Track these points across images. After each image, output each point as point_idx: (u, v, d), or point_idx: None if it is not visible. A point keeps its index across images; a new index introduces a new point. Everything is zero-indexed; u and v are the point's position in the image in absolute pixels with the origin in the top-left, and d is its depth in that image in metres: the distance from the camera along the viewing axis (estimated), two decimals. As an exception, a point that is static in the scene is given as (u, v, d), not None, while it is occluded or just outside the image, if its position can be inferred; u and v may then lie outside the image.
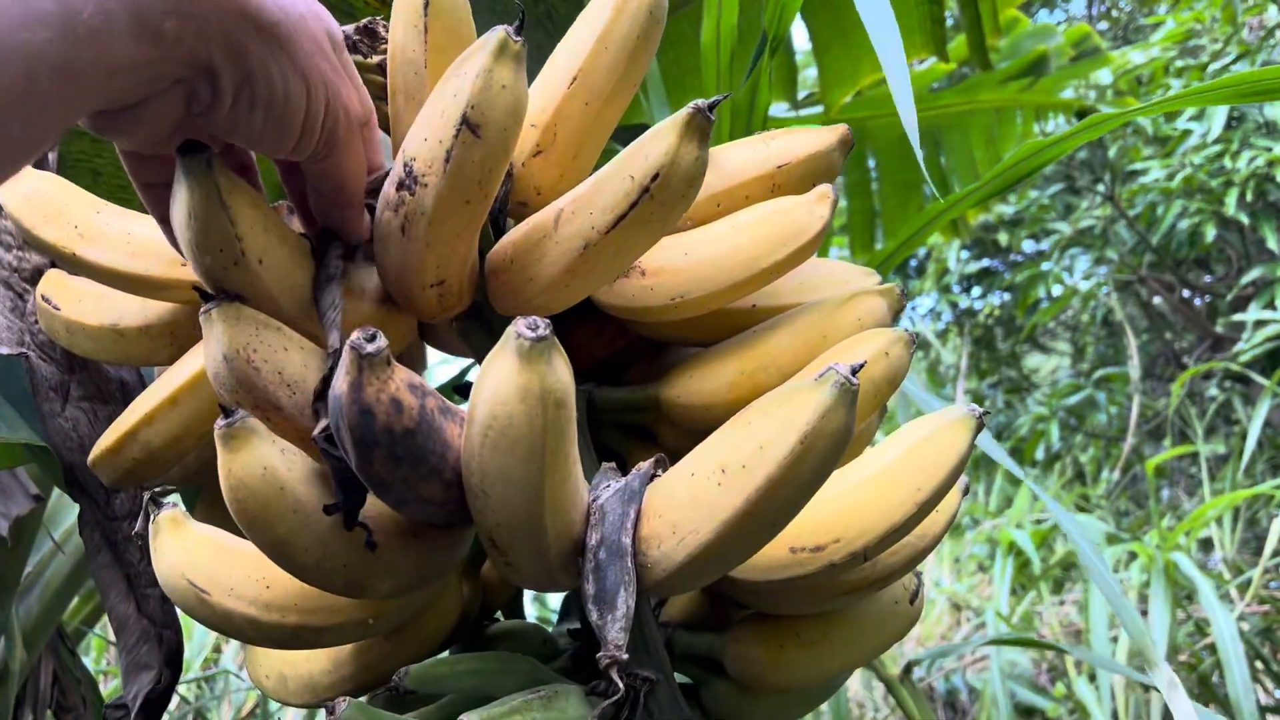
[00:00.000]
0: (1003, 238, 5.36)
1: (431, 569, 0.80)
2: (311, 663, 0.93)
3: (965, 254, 5.62)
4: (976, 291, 6.81)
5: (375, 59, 1.01)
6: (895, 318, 1.02)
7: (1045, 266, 5.28)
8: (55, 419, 1.05)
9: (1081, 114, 4.14)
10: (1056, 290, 5.93)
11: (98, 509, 1.09)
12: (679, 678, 0.98)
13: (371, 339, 0.66)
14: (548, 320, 0.68)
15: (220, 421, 0.71)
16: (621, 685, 0.70)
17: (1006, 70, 3.80)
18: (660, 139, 0.76)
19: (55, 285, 1.02)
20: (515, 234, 0.84)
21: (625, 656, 0.70)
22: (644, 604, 0.90)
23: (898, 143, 3.89)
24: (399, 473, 0.69)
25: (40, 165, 1.07)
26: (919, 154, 1.10)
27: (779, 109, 3.36)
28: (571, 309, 0.93)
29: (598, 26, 0.86)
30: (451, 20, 0.83)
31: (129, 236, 0.92)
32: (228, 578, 0.81)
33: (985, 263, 5.64)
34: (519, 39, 0.74)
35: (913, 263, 6.00)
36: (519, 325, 0.67)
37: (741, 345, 0.97)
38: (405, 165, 0.76)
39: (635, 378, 1.05)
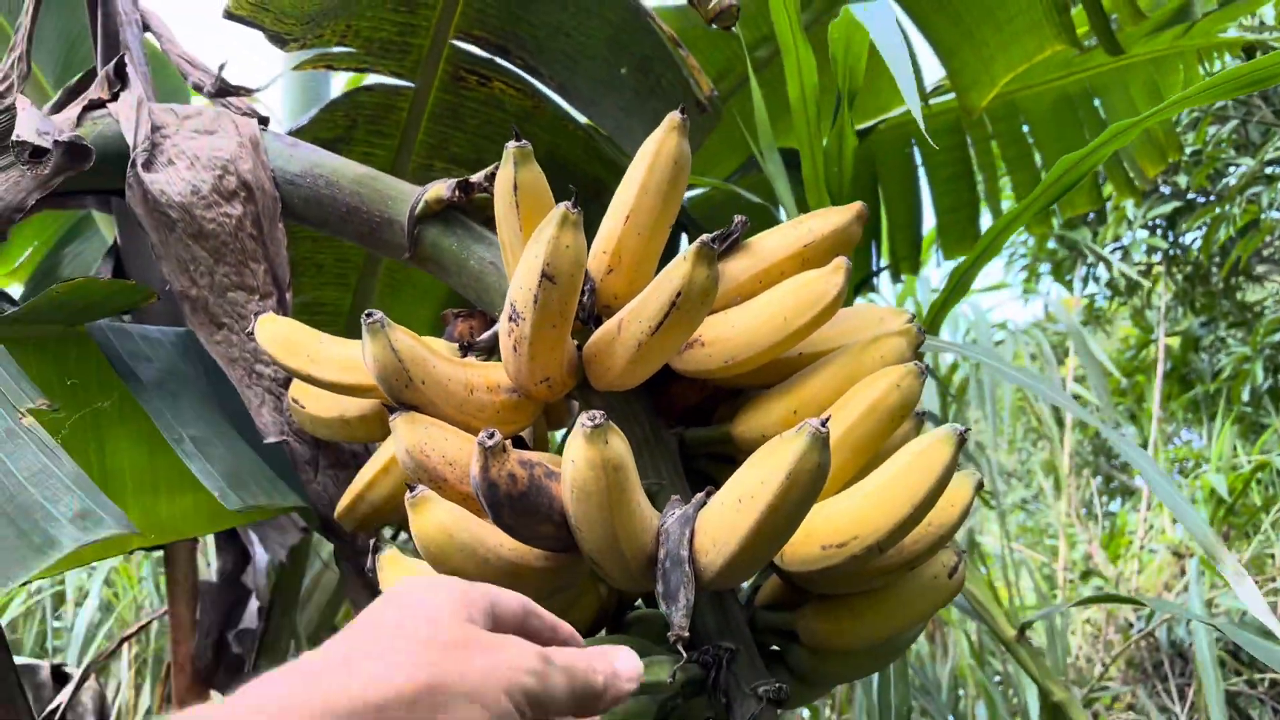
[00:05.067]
0: (1181, 180, 5.21)
1: (560, 580, 1.14)
2: (497, 649, 1.30)
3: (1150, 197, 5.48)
4: (1188, 232, 6.56)
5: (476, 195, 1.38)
6: (915, 351, 1.28)
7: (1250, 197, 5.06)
8: (311, 484, 1.47)
9: (1249, 51, 4.02)
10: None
11: (347, 546, 1.51)
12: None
13: (490, 436, 1.01)
14: (603, 412, 1.00)
15: (409, 494, 1.08)
16: (684, 654, 1.02)
17: (1154, 20, 3.76)
18: (680, 267, 1.07)
19: (300, 389, 1.43)
20: (596, 335, 1.17)
21: (686, 635, 1.02)
22: (726, 594, 1.21)
23: (1050, 110, 3.94)
24: (520, 520, 1.04)
25: (281, 307, 1.48)
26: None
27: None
28: (666, 374, 1.26)
29: (639, 178, 1.18)
30: (533, 195, 1.17)
31: (343, 358, 1.32)
32: (430, 594, 1.18)
33: (1175, 203, 5.47)
34: (576, 210, 1.07)
35: (1089, 215, 5.89)
36: (583, 417, 1.00)
37: (789, 387, 1.27)
38: (510, 305, 1.11)
39: (720, 417, 1.36)
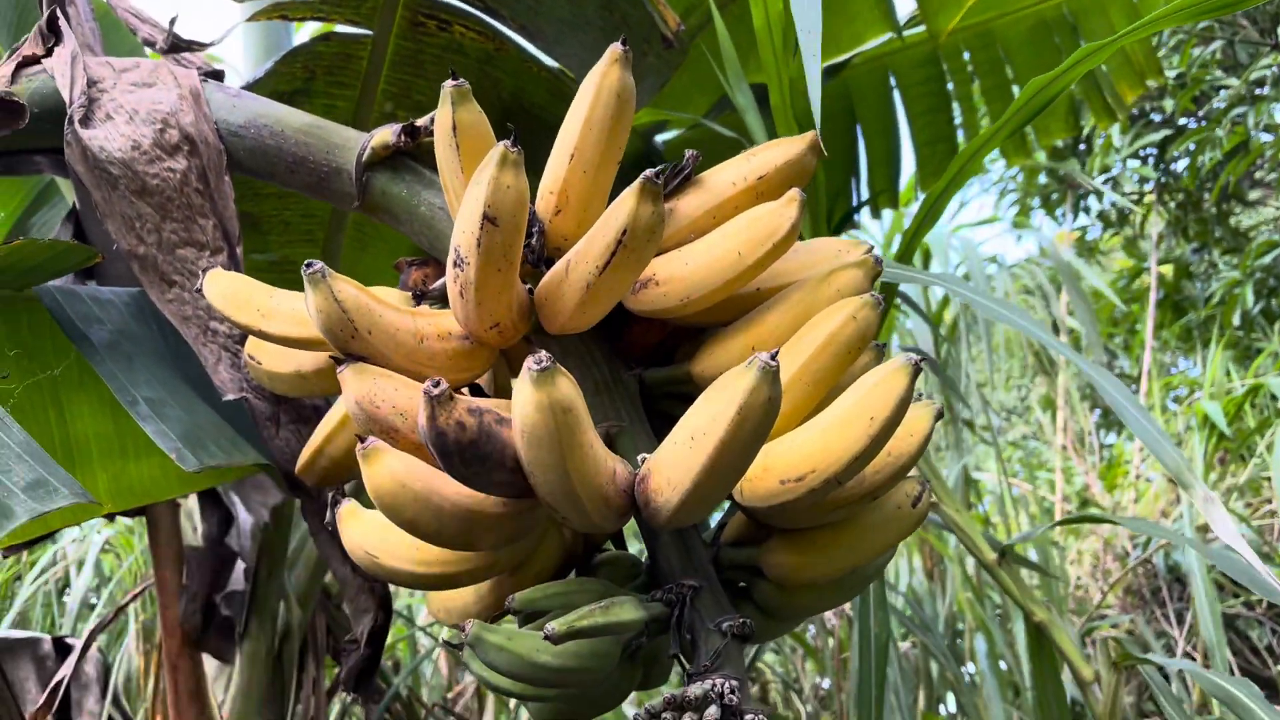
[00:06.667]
0: (1167, 105, 5.14)
1: (519, 526, 1.13)
2: (464, 597, 1.29)
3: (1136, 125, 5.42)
4: (1179, 159, 6.49)
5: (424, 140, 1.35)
6: (872, 282, 1.26)
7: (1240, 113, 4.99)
8: (273, 441, 1.45)
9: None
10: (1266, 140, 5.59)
11: (314, 501, 1.50)
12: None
13: (436, 384, 0.99)
14: (549, 354, 0.98)
15: (359, 446, 1.06)
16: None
17: (1126, -61, 3.69)
18: (624, 204, 1.04)
19: (256, 345, 1.41)
20: (545, 279, 1.15)
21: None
22: (690, 532, 1.20)
23: (1029, 36, 3.87)
24: (471, 469, 1.02)
25: (232, 262, 1.46)
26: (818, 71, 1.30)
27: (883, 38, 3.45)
28: (624, 315, 1.24)
29: (581, 114, 1.14)
30: (473, 135, 1.14)
31: (294, 311, 1.29)
32: (390, 546, 1.17)
33: (1165, 131, 5.40)
34: (516, 149, 1.04)
35: (1081, 146, 5.82)
36: (529, 360, 0.98)
37: (748, 323, 1.25)
38: (455, 250, 1.08)
39: (682, 357, 1.34)
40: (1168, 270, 6.91)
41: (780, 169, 1.26)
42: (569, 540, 1.30)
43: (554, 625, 1.06)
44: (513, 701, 3.61)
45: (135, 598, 2.85)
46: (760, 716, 1.09)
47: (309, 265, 1.08)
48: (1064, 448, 6.09)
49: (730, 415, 0.97)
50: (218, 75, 1.90)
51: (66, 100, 1.42)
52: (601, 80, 1.15)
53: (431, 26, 2.22)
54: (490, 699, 3.81)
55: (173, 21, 1.88)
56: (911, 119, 3.88)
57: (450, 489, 1.08)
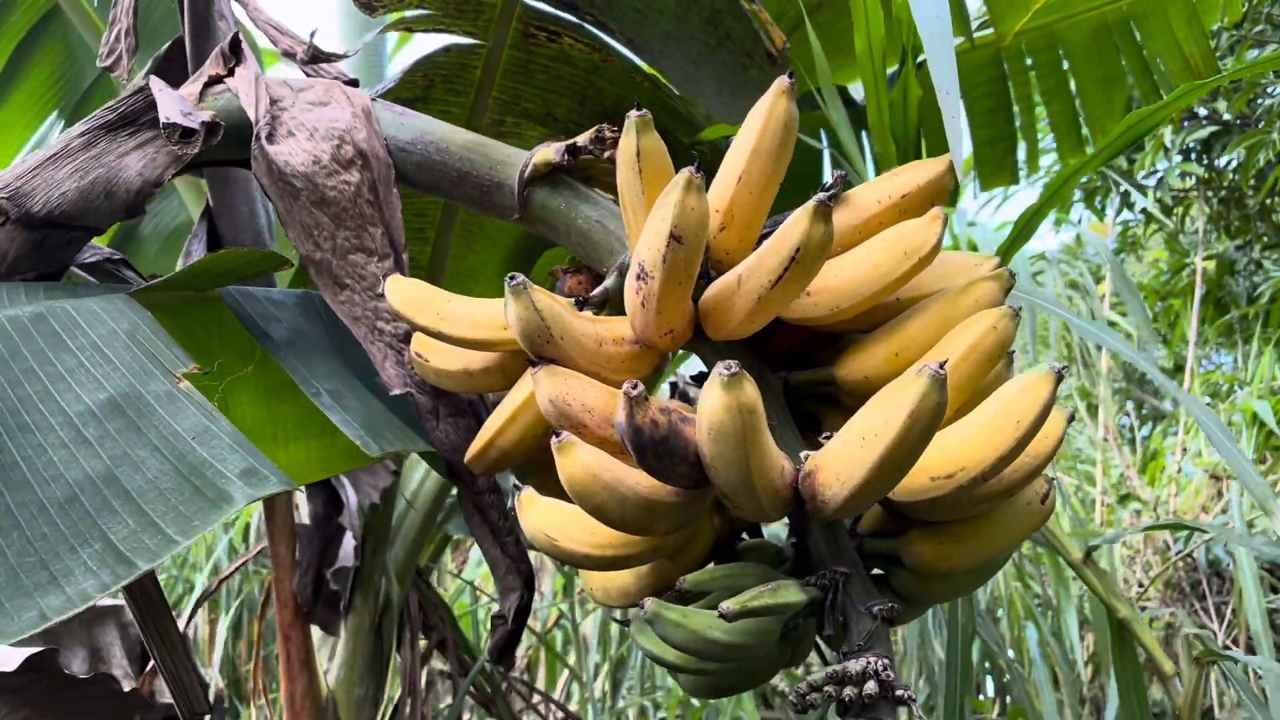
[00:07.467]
0: (1220, 106, 5.20)
1: (689, 514, 1.25)
2: (624, 578, 1.41)
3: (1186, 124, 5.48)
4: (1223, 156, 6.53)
5: (606, 154, 1.47)
6: (1006, 294, 1.37)
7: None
8: (434, 432, 1.58)
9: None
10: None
11: (468, 488, 1.62)
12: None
13: (634, 387, 1.11)
14: (737, 361, 1.09)
15: (554, 439, 1.18)
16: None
17: (1194, -59, 3.75)
18: (798, 224, 1.16)
19: (422, 344, 1.54)
20: (714, 289, 1.26)
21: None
22: (837, 524, 1.31)
23: (1090, 38, 3.94)
24: (661, 461, 1.14)
25: (398, 267, 1.58)
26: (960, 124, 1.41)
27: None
28: (771, 322, 1.36)
29: (750, 142, 1.26)
30: (654, 160, 1.26)
31: (469, 315, 1.42)
32: (568, 529, 1.29)
33: (1212, 128, 5.46)
34: (699, 174, 1.16)
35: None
36: (719, 366, 1.09)
37: (890, 331, 1.36)
38: (639, 265, 1.20)
39: (822, 360, 1.45)
40: (1209, 265, 6.96)
41: (922, 188, 1.37)
42: (718, 528, 1.42)
43: (729, 604, 1.18)
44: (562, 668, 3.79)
45: (237, 569, 3.00)
46: (909, 693, 1.21)
47: (513, 278, 1.21)
48: (1105, 440, 6.17)
49: (903, 419, 1.08)
50: (353, 84, 2.03)
51: (252, 119, 1.54)
52: (771, 110, 1.26)
53: (542, 38, 2.34)
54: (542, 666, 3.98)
55: (312, 35, 2.00)
56: (971, 118, 3.97)
57: (633, 479, 1.20)
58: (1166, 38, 4.00)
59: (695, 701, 4.28)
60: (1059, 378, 1.21)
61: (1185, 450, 5.89)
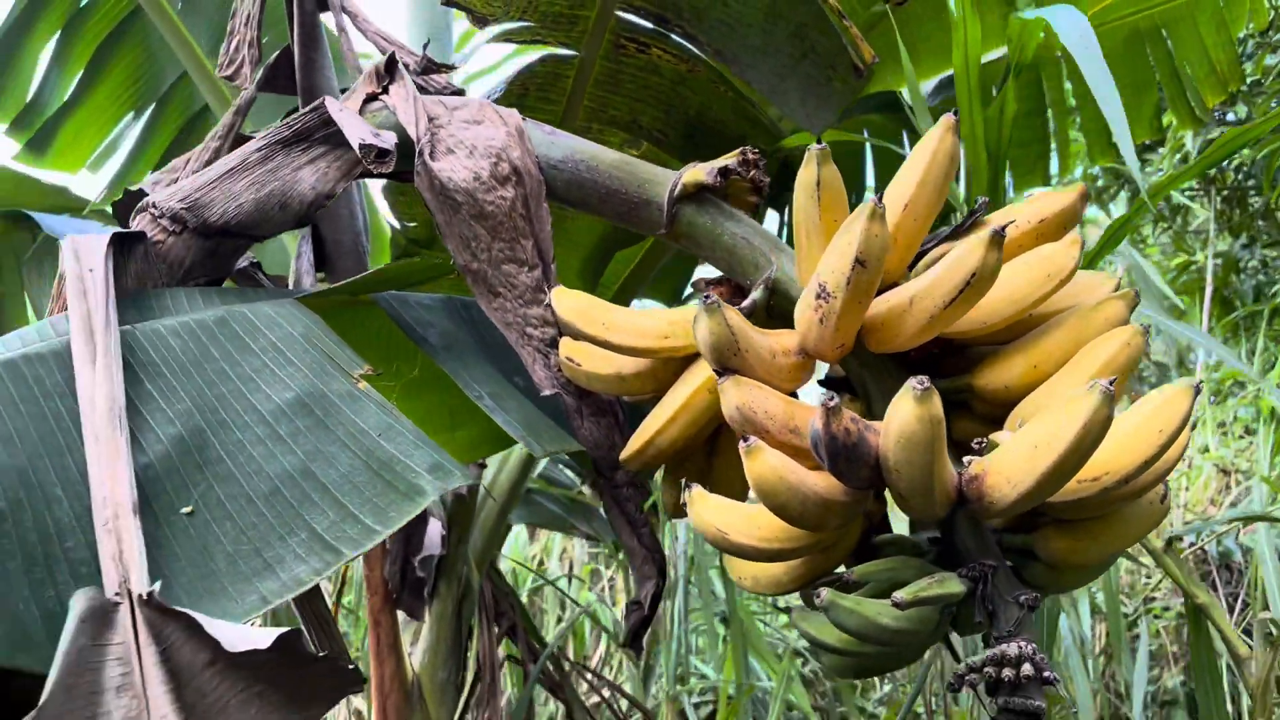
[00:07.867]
0: (1241, 110, 5.35)
1: (854, 512, 1.37)
2: (775, 569, 1.53)
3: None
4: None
5: (750, 174, 1.57)
6: (1131, 312, 1.48)
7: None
8: (579, 430, 1.69)
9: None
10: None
11: (609, 482, 1.73)
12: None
13: (831, 399, 1.22)
14: (928, 377, 1.21)
15: (743, 444, 1.29)
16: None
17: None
18: (974, 252, 1.27)
19: (572, 349, 1.64)
20: (882, 307, 1.38)
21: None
22: (980, 522, 1.43)
23: (1123, 46, 4.06)
24: (849, 466, 1.26)
25: (546, 277, 1.68)
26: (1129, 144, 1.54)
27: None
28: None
29: (917, 174, 1.37)
30: (831, 189, 1.37)
31: (631, 325, 1.53)
32: (736, 524, 1.41)
33: (1220, 130, 5.60)
34: (882, 205, 1.27)
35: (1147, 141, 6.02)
36: (911, 382, 1.21)
37: (1027, 344, 1.48)
38: (820, 284, 1.31)
39: (948, 369, 1.56)
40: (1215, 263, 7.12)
41: (1058, 214, 1.49)
42: (864, 525, 1.54)
43: (901, 594, 1.30)
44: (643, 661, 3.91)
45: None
46: (1054, 675, 1.33)
47: (707, 297, 1.32)
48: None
49: (1076, 429, 1.20)
50: (459, 93, 2.12)
51: (413, 136, 1.64)
52: (938, 145, 1.37)
53: (632, 49, 2.44)
54: (617, 660, 4.09)
55: (425, 45, 2.10)
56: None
57: (812, 479, 1.32)
58: (1195, 45, 4.12)
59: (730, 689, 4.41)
60: (1197, 392, 1.33)
61: (1190, 444, 6.04)
